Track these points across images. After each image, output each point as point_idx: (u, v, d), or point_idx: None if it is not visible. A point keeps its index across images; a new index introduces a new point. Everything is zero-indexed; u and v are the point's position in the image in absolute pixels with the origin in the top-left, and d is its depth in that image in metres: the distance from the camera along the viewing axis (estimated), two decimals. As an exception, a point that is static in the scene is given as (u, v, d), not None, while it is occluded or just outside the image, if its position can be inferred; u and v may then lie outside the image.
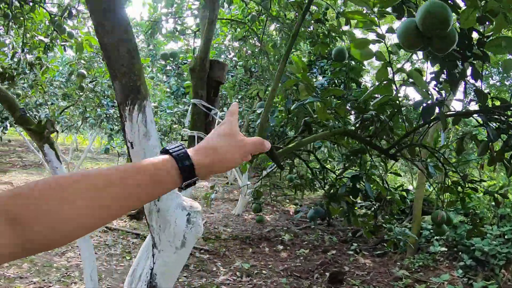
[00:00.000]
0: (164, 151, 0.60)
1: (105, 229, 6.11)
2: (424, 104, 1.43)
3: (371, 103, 1.85)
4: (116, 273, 4.56)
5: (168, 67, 6.38)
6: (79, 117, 6.56)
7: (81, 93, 5.80)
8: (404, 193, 2.87)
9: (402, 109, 1.97)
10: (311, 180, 4.24)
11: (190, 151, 0.61)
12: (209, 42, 2.09)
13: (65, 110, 6.31)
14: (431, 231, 5.71)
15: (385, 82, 1.54)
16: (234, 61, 6.07)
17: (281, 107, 3.45)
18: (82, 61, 3.88)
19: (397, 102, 1.76)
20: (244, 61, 5.36)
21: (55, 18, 3.39)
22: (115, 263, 4.86)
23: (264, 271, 4.96)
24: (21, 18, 3.57)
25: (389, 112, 1.93)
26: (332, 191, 2.51)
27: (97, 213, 0.51)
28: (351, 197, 2.28)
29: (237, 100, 6.52)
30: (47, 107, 5.84)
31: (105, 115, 5.83)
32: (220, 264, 5.14)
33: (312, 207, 2.27)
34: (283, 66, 1.59)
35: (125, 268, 4.71)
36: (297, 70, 2.09)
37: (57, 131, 7.69)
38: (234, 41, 5.14)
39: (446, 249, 5.39)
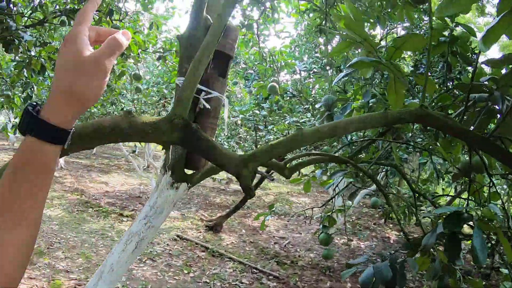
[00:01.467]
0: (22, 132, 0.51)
1: (175, 237, 5.84)
2: None
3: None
4: (165, 286, 4.13)
5: (249, 70, 5.89)
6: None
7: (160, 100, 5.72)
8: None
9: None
10: (405, 207, 3.15)
11: (45, 113, 0.50)
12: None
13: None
14: None
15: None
16: (318, 59, 5.24)
17: (358, 102, 2.51)
18: (131, 60, 3.63)
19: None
20: (327, 58, 4.49)
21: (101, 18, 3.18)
22: (170, 275, 4.45)
23: (336, 317, 3.95)
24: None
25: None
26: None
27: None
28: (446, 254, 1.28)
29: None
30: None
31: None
32: (285, 297, 4.30)
33: (372, 263, 1.33)
34: (222, 23, 0.78)
35: (177, 283, 4.26)
36: (348, 24, 1.22)
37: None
38: (313, 34, 4.32)
39: None
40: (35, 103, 0.51)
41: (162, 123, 0.64)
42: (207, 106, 1.22)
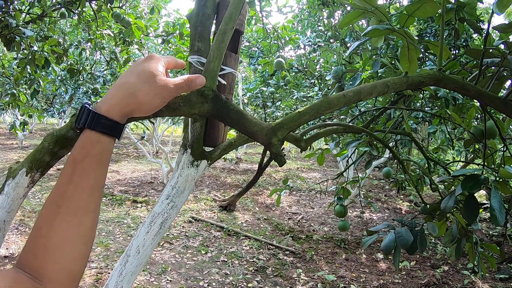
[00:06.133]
0: (79, 128, 0.55)
1: (190, 219, 5.95)
2: None
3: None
4: (184, 268, 4.24)
5: (253, 48, 5.82)
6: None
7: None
8: None
9: None
10: (419, 175, 3.14)
11: (102, 108, 0.55)
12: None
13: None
14: None
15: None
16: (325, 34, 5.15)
17: (367, 73, 2.49)
18: (136, 46, 3.60)
19: None
20: (331, 31, 4.41)
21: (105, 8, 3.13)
22: (188, 257, 4.56)
23: (352, 286, 4.03)
24: (82, 15, 3.44)
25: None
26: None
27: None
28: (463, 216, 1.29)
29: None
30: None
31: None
32: (302, 270, 4.39)
33: (394, 229, 1.35)
34: None
35: (196, 263, 4.37)
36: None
37: (153, 123, 7.98)
38: (316, 8, 4.24)
39: None
40: (88, 102, 0.56)
41: (193, 95, 0.65)
42: (223, 81, 1.23)
